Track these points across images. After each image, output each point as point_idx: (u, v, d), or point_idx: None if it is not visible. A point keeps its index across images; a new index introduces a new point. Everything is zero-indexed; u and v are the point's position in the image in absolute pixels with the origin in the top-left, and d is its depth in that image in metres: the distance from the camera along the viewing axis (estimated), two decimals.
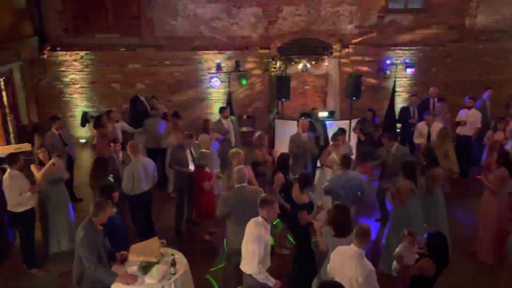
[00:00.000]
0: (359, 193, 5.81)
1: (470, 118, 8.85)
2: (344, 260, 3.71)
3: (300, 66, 10.86)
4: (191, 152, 6.83)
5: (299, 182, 5.24)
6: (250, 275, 4.21)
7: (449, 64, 11.33)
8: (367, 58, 11.32)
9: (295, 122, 9.38)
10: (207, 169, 6.53)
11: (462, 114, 8.99)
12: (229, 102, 10.58)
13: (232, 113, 9.45)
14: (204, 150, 6.57)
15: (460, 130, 8.97)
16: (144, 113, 9.20)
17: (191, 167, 6.70)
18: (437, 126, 8.09)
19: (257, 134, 7.09)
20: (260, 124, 11.01)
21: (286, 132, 8.30)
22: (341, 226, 4.25)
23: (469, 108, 8.91)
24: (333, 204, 4.90)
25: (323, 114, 9.83)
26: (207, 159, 6.51)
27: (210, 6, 10.88)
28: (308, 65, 10.88)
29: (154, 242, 4.85)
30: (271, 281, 4.16)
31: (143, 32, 10.99)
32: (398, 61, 11.12)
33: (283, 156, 6.31)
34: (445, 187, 6.76)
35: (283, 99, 10.14)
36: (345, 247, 3.85)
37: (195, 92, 11.25)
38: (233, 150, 6.26)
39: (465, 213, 7.36)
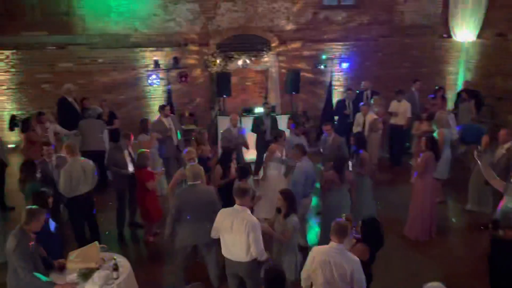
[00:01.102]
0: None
1: (401, 109, 9.37)
2: (329, 260, 3.72)
3: (240, 62, 10.91)
4: (129, 153, 6.63)
5: (238, 174, 5.39)
6: (249, 261, 4.33)
7: (381, 58, 11.91)
8: (304, 54, 11.62)
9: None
10: (149, 169, 6.41)
11: (394, 105, 9.49)
12: (169, 100, 10.40)
13: (172, 111, 9.30)
14: (143, 150, 6.41)
15: (392, 121, 9.47)
16: (74, 115, 8.74)
17: (130, 168, 6.52)
18: (371, 116, 8.51)
19: (197, 131, 7.12)
20: (202, 121, 10.94)
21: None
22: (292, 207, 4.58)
23: (399, 100, 9.42)
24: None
25: (259, 109, 9.85)
26: (148, 158, 6.37)
27: (145, 2, 10.60)
28: (248, 61, 10.97)
29: (94, 248, 4.67)
30: (266, 256, 4.38)
31: (74, 29, 10.48)
32: (334, 56, 11.50)
33: (225, 150, 6.41)
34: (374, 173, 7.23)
35: (225, 96, 10.18)
36: (324, 247, 3.88)
37: (132, 91, 10.94)
38: (188, 148, 6.21)
39: (398, 197, 7.78)
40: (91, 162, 6.04)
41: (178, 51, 10.91)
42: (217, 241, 4.62)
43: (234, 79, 10.83)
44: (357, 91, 10.07)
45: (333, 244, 3.77)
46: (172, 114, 8.63)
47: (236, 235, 4.30)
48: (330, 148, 7.04)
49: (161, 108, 8.24)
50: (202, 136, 6.95)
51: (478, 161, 5.57)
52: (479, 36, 11.76)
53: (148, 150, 6.55)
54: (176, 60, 10.67)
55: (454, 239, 6.84)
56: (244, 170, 5.66)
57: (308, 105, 11.21)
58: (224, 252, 4.49)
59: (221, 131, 7.74)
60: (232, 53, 10.93)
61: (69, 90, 8.92)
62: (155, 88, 10.88)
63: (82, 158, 6.03)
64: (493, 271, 4.87)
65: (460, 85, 11.70)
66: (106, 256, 4.58)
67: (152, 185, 6.23)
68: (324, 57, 11.39)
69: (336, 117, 10.39)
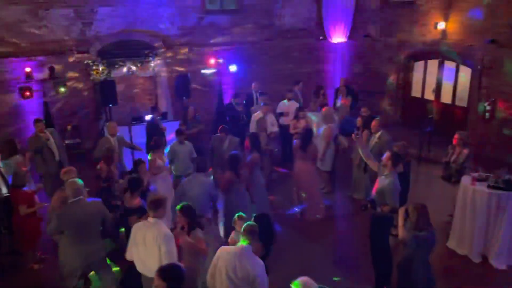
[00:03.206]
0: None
1: (290, 109, 9.81)
2: (235, 260, 3.72)
3: (124, 69, 10.48)
4: (1, 173, 5.93)
5: (129, 186, 5.15)
6: None
7: (266, 60, 12.36)
8: (192, 58, 11.57)
9: (126, 127, 9.11)
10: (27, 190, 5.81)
11: (283, 106, 9.92)
12: (46, 113, 9.53)
13: (51, 125, 8.56)
14: (18, 169, 5.79)
15: (283, 120, 9.88)
16: None
17: (4, 190, 5.83)
18: (257, 116, 8.80)
19: (105, 148, 6.75)
20: (88, 133, 10.26)
21: None
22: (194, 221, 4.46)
23: (289, 99, 9.88)
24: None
25: (150, 117, 9.55)
26: (25, 177, 5.77)
27: (11, 8, 9.57)
28: (134, 68, 10.59)
29: None
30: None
31: None
32: (221, 60, 11.65)
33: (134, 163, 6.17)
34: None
35: (111, 105, 9.69)
36: (231, 247, 3.88)
37: (1, 106, 9.75)
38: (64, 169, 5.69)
39: (291, 192, 8.15)
40: None
41: (54, 59, 10.07)
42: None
43: (120, 87, 10.38)
44: (260, 92, 10.32)
45: (242, 245, 3.83)
46: (51, 128, 7.94)
47: (148, 249, 4.15)
48: (227, 151, 7.09)
49: (36, 122, 7.49)
50: (109, 153, 6.50)
51: (356, 142, 6.16)
52: (350, 37, 12.94)
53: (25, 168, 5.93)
54: (52, 69, 9.83)
55: (343, 226, 7.42)
56: (135, 181, 5.31)
57: (202, 109, 11.17)
58: (139, 267, 4.32)
59: (99, 140, 7.31)
60: (116, 60, 10.44)
61: None
62: (30, 102, 9.88)
63: None
64: (373, 247, 5.39)
65: (338, 83, 12.72)
66: None
67: (24, 211, 5.60)
68: (212, 61, 11.50)
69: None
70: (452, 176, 6.57)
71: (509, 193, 5.81)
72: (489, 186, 5.93)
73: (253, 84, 10.51)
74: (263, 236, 4.19)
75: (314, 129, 8.40)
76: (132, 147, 8.01)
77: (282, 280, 4.54)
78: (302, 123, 8.55)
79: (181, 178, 7.44)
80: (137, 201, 5.13)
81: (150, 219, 4.25)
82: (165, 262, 4.00)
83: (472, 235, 6.05)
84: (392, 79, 12.38)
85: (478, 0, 9.81)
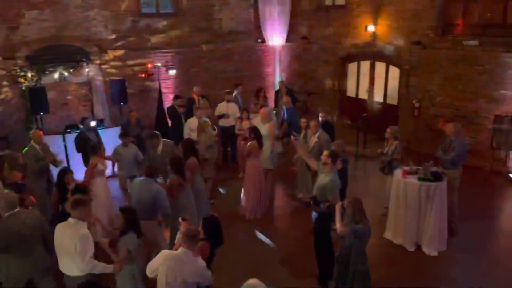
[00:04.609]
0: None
1: (230, 110, 9.87)
2: (176, 265, 3.77)
3: (56, 75, 9.97)
4: None
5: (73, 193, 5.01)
6: (84, 276, 4.08)
7: (206, 64, 12.31)
8: (128, 62, 11.26)
9: (60, 136, 8.69)
10: None
11: (222, 108, 9.95)
12: None
13: None
14: None
15: (223, 122, 9.92)
16: None
17: None
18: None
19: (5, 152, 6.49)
20: (18, 144, 9.60)
21: (51, 148, 7.55)
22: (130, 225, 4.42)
23: (228, 101, 9.92)
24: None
25: (92, 123, 9.21)
26: None
27: None
28: (66, 74, 10.09)
29: None
30: (109, 267, 4.24)
31: None
32: (159, 64, 11.44)
33: (59, 173, 5.94)
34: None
35: (42, 113, 9.19)
36: (173, 252, 3.94)
37: None
38: None
39: (234, 193, 8.18)
40: None
41: None
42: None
43: (51, 94, 9.86)
44: (201, 96, 10.21)
45: (182, 250, 3.86)
46: None
47: (65, 249, 4.13)
48: (163, 156, 6.98)
49: None
50: (16, 159, 6.17)
51: (296, 145, 6.35)
52: (287, 40, 13.26)
53: None
54: None
55: (289, 223, 7.59)
56: (80, 188, 5.17)
57: (141, 114, 10.89)
58: (61, 267, 4.27)
59: (24, 151, 6.98)
60: (46, 65, 9.89)
61: None
62: None
63: None
64: (316, 242, 5.57)
65: (277, 85, 12.98)
66: None
67: None
68: (149, 65, 11.25)
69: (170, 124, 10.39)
70: (385, 167, 7.03)
71: (436, 183, 6.27)
72: (419, 178, 6.36)
73: (195, 88, 10.40)
74: (212, 238, 4.21)
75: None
76: (53, 162, 7.41)
77: (231, 282, 4.60)
78: (246, 124, 8.64)
79: (126, 179, 7.27)
80: None
81: (71, 219, 4.23)
82: (78, 261, 4.07)
83: (405, 225, 6.44)
84: (328, 81, 12.84)
85: (403, 4, 10.49)
